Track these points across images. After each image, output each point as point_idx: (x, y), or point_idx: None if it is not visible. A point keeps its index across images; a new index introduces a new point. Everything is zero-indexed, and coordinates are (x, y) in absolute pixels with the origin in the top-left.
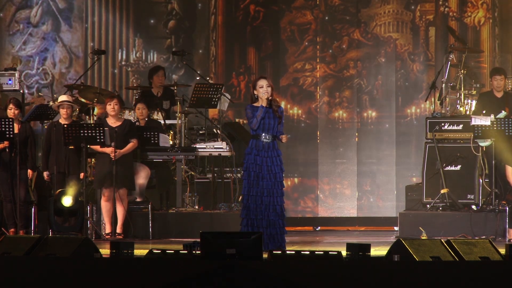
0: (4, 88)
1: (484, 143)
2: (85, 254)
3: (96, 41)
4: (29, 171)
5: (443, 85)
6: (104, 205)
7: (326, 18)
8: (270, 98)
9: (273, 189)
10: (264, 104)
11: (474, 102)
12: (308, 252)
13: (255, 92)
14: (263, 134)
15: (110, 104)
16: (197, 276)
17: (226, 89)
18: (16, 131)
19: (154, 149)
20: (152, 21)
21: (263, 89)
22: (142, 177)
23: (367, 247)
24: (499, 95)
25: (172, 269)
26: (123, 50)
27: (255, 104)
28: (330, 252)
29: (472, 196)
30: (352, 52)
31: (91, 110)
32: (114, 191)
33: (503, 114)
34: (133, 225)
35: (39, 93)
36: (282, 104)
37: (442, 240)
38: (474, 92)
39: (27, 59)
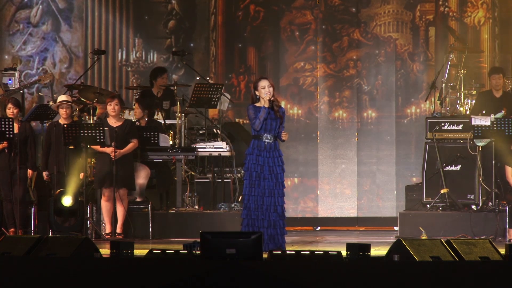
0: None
1: (480, 143)
2: (85, 254)
3: (96, 41)
4: (29, 171)
5: (443, 85)
6: (104, 205)
7: (326, 18)
8: (272, 98)
9: (274, 190)
10: (266, 105)
11: (474, 102)
12: (308, 252)
13: (257, 92)
14: (265, 135)
15: (110, 105)
16: (197, 276)
17: (226, 89)
18: (16, 131)
19: (154, 149)
20: (152, 21)
21: (265, 90)
22: (142, 177)
23: (367, 247)
24: (498, 94)
25: (172, 269)
26: (123, 50)
27: (257, 105)
28: (330, 252)
29: (472, 196)
30: (352, 52)
31: (92, 110)
32: (114, 191)
33: (500, 114)
34: (133, 225)
35: (39, 93)
36: (282, 104)
37: (442, 240)
38: (474, 92)
39: (27, 59)
